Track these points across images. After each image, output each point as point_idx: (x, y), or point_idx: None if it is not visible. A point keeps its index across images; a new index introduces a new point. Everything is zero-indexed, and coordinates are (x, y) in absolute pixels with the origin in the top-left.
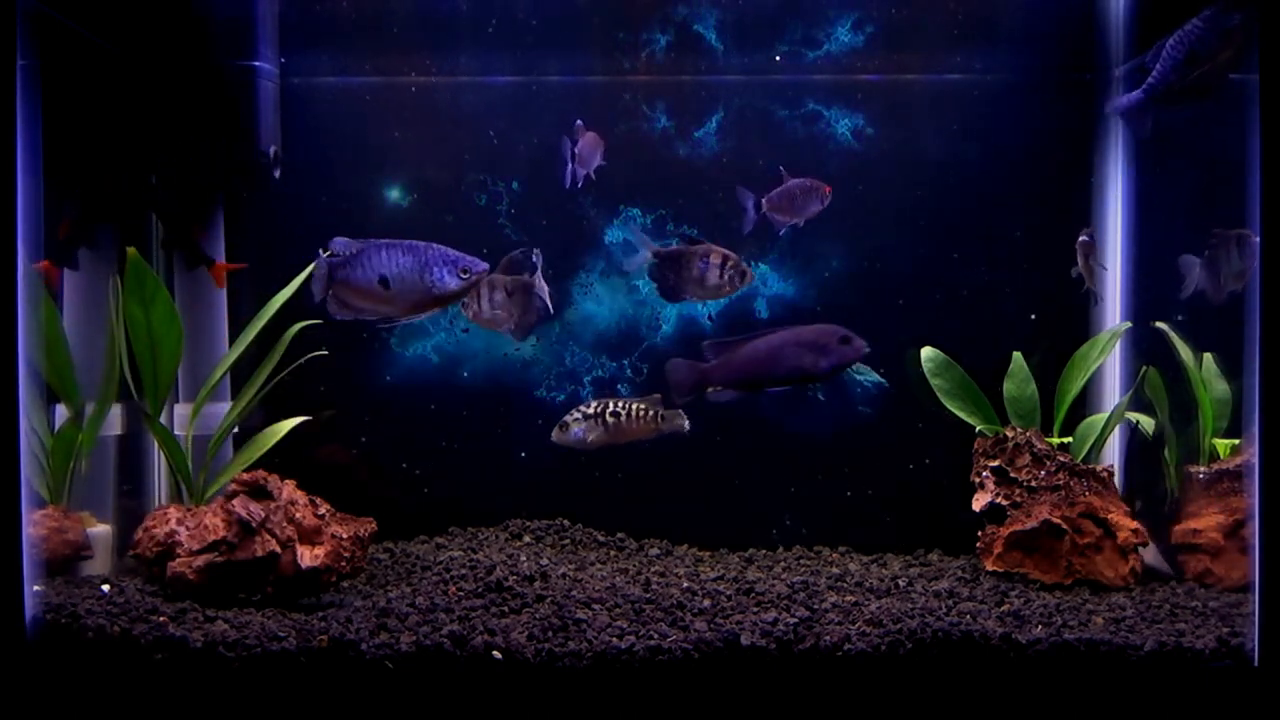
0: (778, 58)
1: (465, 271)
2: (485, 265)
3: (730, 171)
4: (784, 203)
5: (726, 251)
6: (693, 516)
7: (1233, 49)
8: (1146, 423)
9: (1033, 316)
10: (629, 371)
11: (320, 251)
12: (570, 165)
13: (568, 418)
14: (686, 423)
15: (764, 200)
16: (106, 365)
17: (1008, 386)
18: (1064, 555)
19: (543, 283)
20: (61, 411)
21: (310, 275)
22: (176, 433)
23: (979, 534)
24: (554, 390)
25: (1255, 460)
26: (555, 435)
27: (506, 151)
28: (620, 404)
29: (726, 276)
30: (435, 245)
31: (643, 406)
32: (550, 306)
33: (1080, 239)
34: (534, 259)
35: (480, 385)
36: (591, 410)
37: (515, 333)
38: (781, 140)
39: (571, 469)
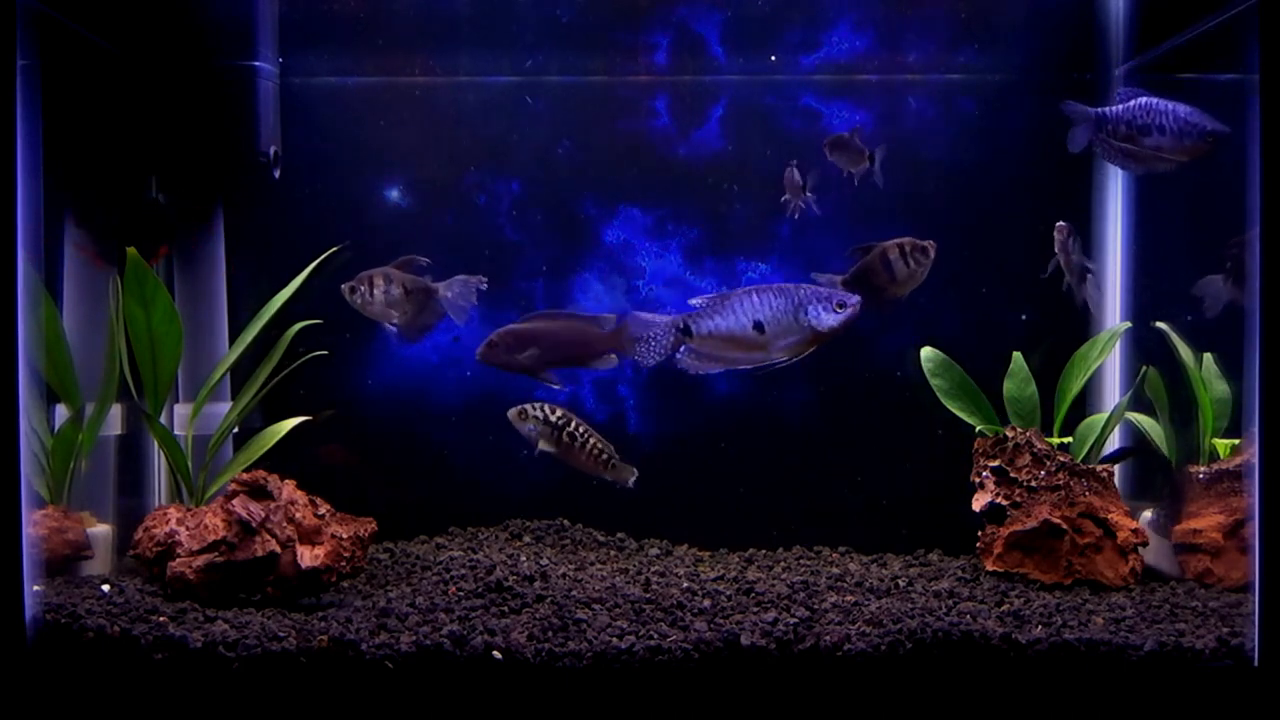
0: (773, 58)
1: (841, 305)
2: (858, 297)
3: (731, 171)
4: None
5: (899, 241)
6: (693, 516)
7: (1187, 157)
8: (1147, 423)
9: (1023, 317)
10: (629, 372)
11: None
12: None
13: (529, 408)
14: (634, 479)
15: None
16: (106, 365)
17: (1008, 386)
18: (1064, 555)
19: (464, 294)
20: (61, 411)
21: (648, 339)
22: (176, 433)
23: (979, 534)
24: (554, 391)
25: (1255, 460)
26: (511, 414)
27: (506, 151)
28: (582, 430)
29: (913, 262)
30: (804, 285)
31: (599, 446)
32: (461, 314)
33: (1058, 223)
34: (470, 279)
35: (480, 385)
36: (554, 419)
37: (406, 332)
38: (781, 139)
39: (572, 469)
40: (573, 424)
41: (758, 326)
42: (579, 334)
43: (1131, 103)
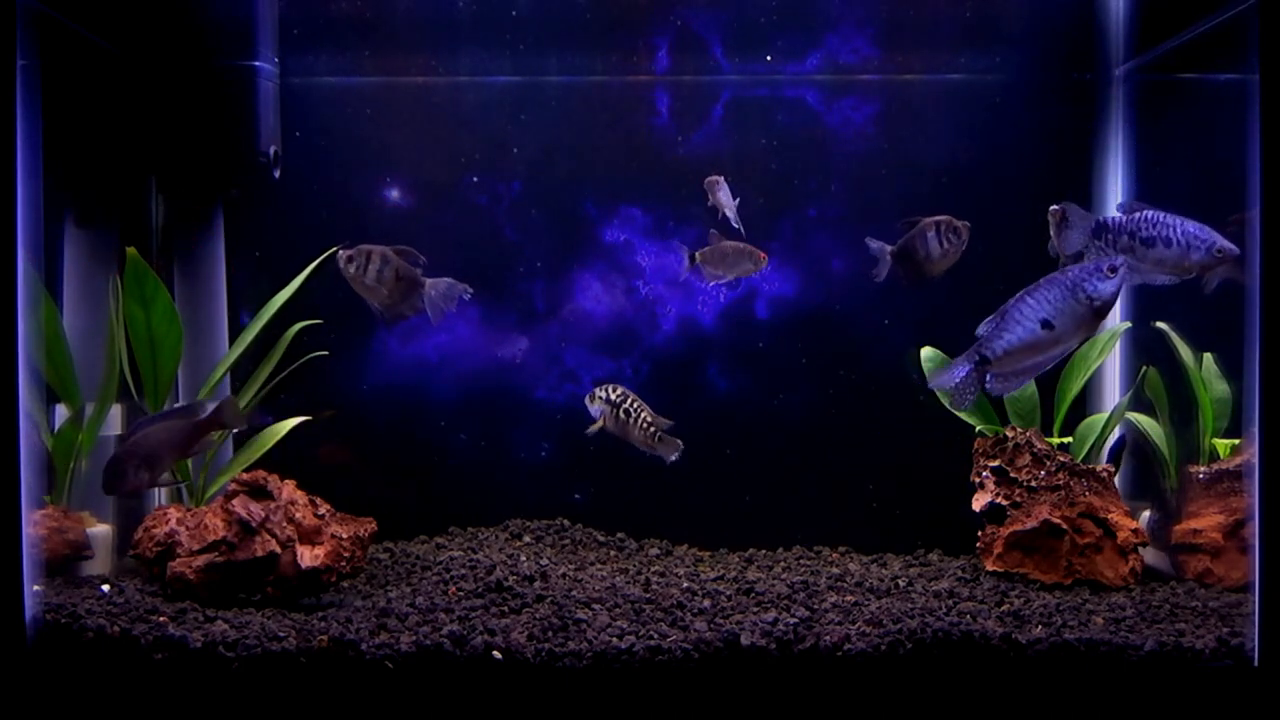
0: (769, 58)
1: (1112, 270)
2: (1123, 258)
3: (730, 170)
4: (716, 259)
5: (937, 219)
6: (693, 516)
7: (1190, 274)
8: (1147, 423)
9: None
10: (629, 371)
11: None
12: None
13: (598, 389)
14: (675, 456)
15: (697, 254)
16: (106, 365)
17: None
18: (1064, 555)
19: (447, 295)
20: (61, 411)
21: (957, 386)
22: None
23: (979, 534)
24: (554, 390)
25: (1255, 460)
26: (587, 397)
27: (506, 151)
28: (636, 406)
29: (946, 242)
30: (1067, 268)
31: (649, 420)
32: (438, 313)
33: (1052, 208)
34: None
35: (481, 385)
36: (614, 398)
37: (383, 313)
38: (781, 140)
39: (571, 469)
40: (628, 400)
41: (1045, 325)
42: (181, 430)
43: (1136, 214)
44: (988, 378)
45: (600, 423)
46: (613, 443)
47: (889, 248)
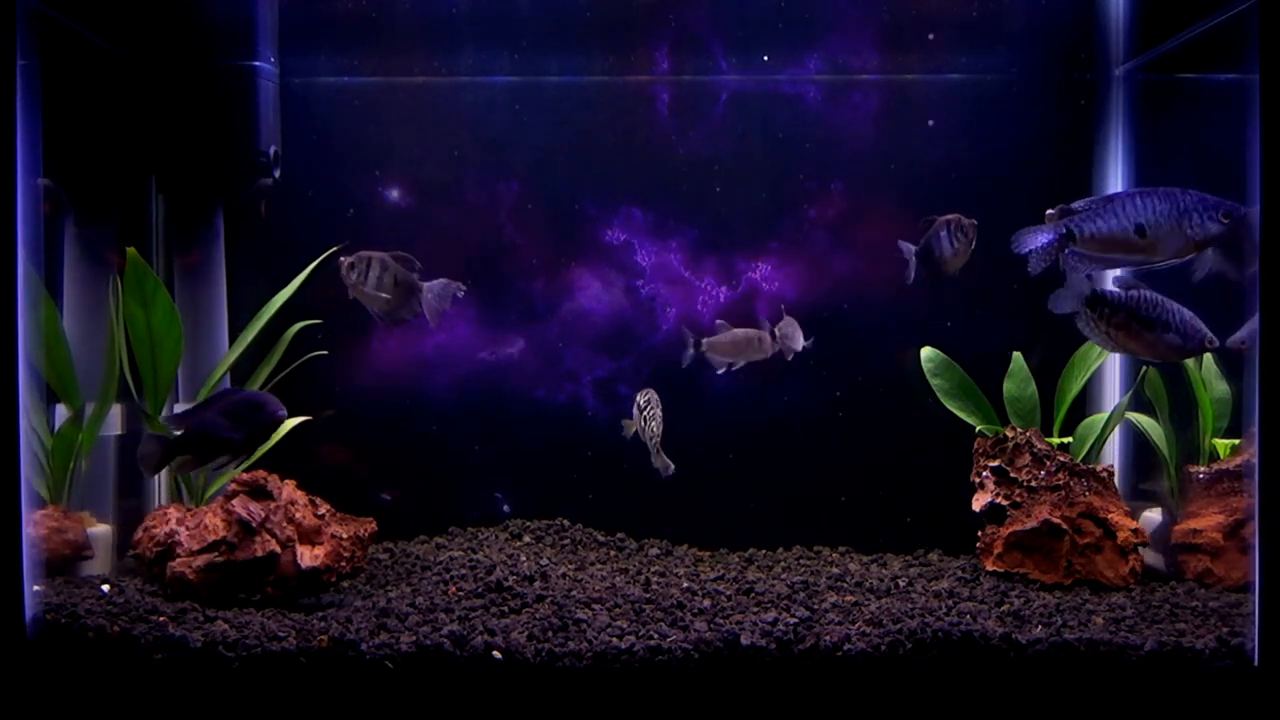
0: (767, 58)
1: (1227, 216)
2: (1245, 209)
3: (730, 170)
4: (727, 348)
5: (949, 217)
6: (693, 516)
7: (1178, 357)
8: (1147, 423)
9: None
10: (629, 372)
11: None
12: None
13: (640, 396)
14: (671, 469)
15: (704, 341)
16: (106, 365)
17: (1008, 386)
18: (1064, 555)
19: (443, 295)
20: (61, 411)
21: (1036, 249)
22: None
23: (979, 534)
24: (554, 390)
25: (1255, 460)
26: (638, 394)
27: (506, 151)
28: (655, 416)
29: (956, 243)
30: (1190, 191)
31: (653, 431)
32: (436, 316)
33: (1049, 212)
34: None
35: (480, 385)
36: (644, 403)
37: (383, 318)
38: (781, 139)
39: (571, 469)
40: (649, 406)
41: (1139, 230)
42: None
43: (1134, 294)
44: (1066, 251)
45: (634, 428)
46: (613, 443)
47: (913, 247)
